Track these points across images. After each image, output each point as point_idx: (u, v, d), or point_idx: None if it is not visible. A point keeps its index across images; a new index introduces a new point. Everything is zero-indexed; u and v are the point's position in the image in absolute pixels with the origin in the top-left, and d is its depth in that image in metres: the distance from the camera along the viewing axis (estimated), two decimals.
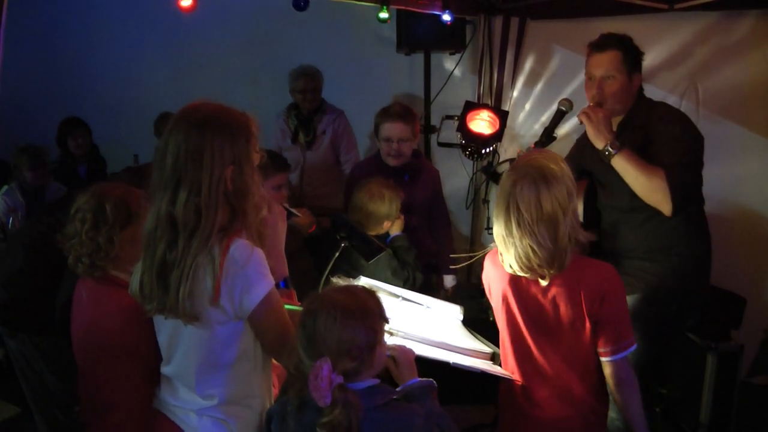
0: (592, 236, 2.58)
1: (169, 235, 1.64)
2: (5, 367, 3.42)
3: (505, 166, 3.19)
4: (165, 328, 1.78)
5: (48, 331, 2.81)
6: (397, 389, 1.72)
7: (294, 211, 2.91)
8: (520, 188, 1.88)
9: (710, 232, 2.69)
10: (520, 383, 2.03)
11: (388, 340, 1.85)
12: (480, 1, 4.33)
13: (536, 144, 2.65)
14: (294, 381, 1.65)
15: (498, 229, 1.94)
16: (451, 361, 1.95)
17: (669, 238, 2.58)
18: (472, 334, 2.33)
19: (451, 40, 4.39)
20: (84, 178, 4.64)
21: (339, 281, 1.78)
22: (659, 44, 3.74)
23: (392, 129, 3.26)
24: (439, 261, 3.48)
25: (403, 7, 4.02)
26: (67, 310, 2.24)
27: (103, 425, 2.05)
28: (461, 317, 2.44)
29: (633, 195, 2.52)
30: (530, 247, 1.87)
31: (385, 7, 3.67)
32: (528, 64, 4.37)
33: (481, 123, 3.69)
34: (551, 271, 1.91)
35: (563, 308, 1.93)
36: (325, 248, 2.86)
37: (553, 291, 1.94)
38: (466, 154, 3.84)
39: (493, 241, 2.00)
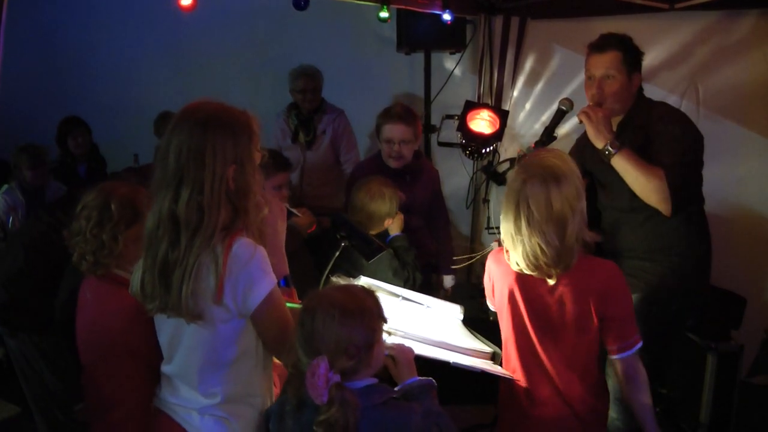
0: (598, 236, 2.59)
1: (172, 234, 1.64)
2: (5, 366, 3.42)
3: (505, 166, 3.18)
4: (166, 327, 1.78)
5: (48, 330, 2.81)
6: (396, 388, 1.72)
7: (294, 210, 2.91)
8: (530, 187, 1.88)
9: (710, 232, 2.70)
10: (520, 382, 2.03)
11: (388, 339, 1.85)
12: (480, 1, 4.32)
13: (537, 143, 2.64)
14: (292, 379, 1.66)
15: (506, 227, 1.94)
16: (451, 361, 1.95)
17: (669, 238, 2.59)
18: (472, 333, 2.33)
19: (452, 39, 4.38)
20: (84, 178, 4.65)
21: (339, 280, 1.78)
22: (659, 44, 3.74)
23: (393, 130, 3.25)
24: (439, 261, 3.48)
25: (403, 7, 4.01)
26: (67, 310, 2.24)
27: (105, 424, 2.06)
28: (461, 317, 2.44)
29: (633, 195, 2.52)
30: (539, 245, 1.88)
31: (385, 7, 3.66)
32: (528, 64, 4.36)
33: (482, 122, 3.69)
34: (557, 270, 1.92)
35: (569, 307, 1.94)
36: (326, 248, 2.85)
37: (560, 290, 1.95)
38: (466, 154, 3.84)
39: (494, 241, 2.00)
